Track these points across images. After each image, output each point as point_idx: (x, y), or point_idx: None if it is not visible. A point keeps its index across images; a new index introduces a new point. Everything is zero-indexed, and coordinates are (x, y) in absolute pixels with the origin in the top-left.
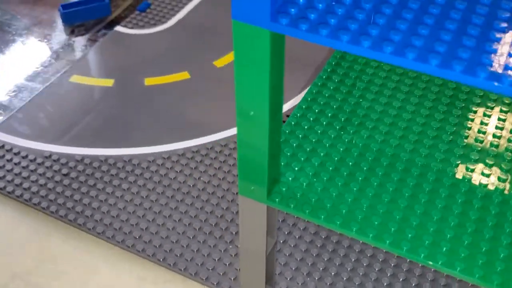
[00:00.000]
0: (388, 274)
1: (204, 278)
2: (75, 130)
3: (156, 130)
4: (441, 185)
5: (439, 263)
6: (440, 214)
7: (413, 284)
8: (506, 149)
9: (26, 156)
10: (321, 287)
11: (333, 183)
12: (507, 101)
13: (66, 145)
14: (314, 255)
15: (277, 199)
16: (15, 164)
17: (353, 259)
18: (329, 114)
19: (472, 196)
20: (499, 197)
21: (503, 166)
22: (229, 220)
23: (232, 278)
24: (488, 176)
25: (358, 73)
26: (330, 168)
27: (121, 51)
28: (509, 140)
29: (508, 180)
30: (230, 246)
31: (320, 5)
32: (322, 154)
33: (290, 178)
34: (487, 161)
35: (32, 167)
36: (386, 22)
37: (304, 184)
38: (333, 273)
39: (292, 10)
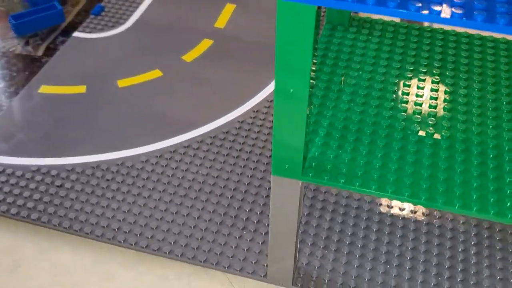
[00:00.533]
0: (398, 235)
1: (226, 266)
2: (58, 141)
3: (142, 130)
4: (455, 140)
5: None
6: (478, 169)
7: (423, 241)
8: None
9: (13, 173)
10: (339, 257)
11: (358, 152)
12: None
13: (53, 157)
14: (326, 228)
15: (310, 174)
16: (3, 182)
17: (363, 227)
18: (335, 89)
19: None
20: (478, 138)
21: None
22: (236, 208)
23: (253, 262)
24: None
25: (350, 48)
26: (351, 139)
27: (86, 56)
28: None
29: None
30: (244, 232)
31: None
32: (339, 127)
33: (317, 153)
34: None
35: (22, 183)
36: None
37: (331, 156)
38: (347, 242)
39: None
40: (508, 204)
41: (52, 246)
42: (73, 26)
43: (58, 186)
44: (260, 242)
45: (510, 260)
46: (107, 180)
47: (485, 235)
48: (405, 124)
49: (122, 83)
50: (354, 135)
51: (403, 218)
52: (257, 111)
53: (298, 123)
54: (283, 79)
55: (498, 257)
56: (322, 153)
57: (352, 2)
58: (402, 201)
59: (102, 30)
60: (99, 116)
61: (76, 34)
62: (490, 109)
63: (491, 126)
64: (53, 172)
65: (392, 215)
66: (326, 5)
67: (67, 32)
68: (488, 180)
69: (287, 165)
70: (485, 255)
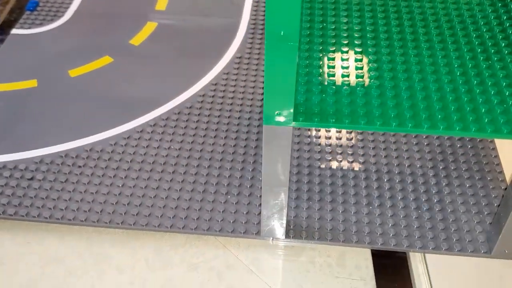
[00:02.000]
0: (373, 179)
1: (218, 230)
2: (20, 135)
3: (104, 115)
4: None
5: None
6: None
7: (397, 181)
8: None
9: None
10: (324, 206)
11: (340, 94)
12: None
13: (18, 152)
14: (306, 182)
15: (301, 119)
16: None
17: (339, 176)
18: (305, 42)
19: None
20: (446, 68)
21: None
22: (216, 175)
23: (243, 222)
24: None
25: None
26: (331, 83)
27: (31, 51)
28: None
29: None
30: (228, 196)
31: None
32: (317, 74)
33: (302, 100)
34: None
35: None
36: None
37: (316, 101)
38: (328, 192)
39: None
40: (486, 120)
41: (36, 239)
42: (9, 24)
43: (29, 179)
44: (246, 204)
45: (474, 169)
46: (79, 166)
47: (450, 155)
48: (377, 65)
49: (74, 72)
50: (333, 80)
51: (375, 163)
52: (216, 83)
53: (289, 68)
54: (273, 20)
55: (463, 169)
56: (307, 99)
57: None
58: (391, 131)
59: (41, 24)
60: (57, 106)
61: (14, 31)
62: (423, 39)
63: (426, 56)
64: (21, 166)
65: (364, 162)
66: None
67: (3, 30)
68: (448, 102)
69: (278, 113)
70: (452, 168)
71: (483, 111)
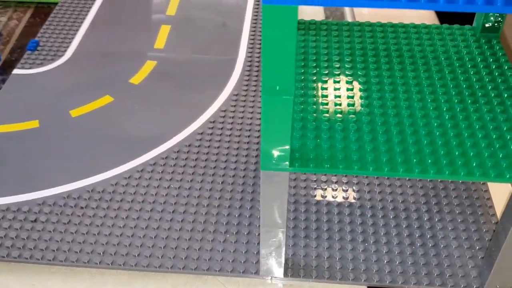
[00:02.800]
0: (368, 215)
1: (217, 270)
2: (22, 177)
3: (105, 155)
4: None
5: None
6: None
7: (391, 217)
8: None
9: None
10: (320, 244)
11: (334, 139)
12: None
13: (21, 193)
14: (303, 219)
15: (297, 164)
16: None
17: (335, 213)
18: (299, 87)
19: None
20: (436, 112)
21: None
22: (215, 214)
23: (242, 261)
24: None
25: (303, 48)
26: (325, 128)
27: (32, 91)
28: None
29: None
30: (227, 236)
31: None
32: (312, 119)
33: (297, 146)
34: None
35: None
36: None
37: (311, 146)
38: (325, 229)
39: None
40: (474, 164)
41: (40, 281)
42: (10, 64)
43: (32, 221)
44: (244, 242)
45: (465, 204)
46: (82, 207)
47: (442, 190)
48: (369, 109)
49: (75, 112)
50: (327, 125)
51: (370, 199)
52: (213, 121)
53: (284, 118)
54: (269, 77)
55: (455, 204)
56: (302, 144)
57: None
58: (383, 175)
59: (42, 64)
60: (58, 147)
61: (16, 71)
62: (414, 89)
63: (416, 100)
64: (25, 208)
65: (359, 198)
66: (316, 4)
67: (5, 70)
68: (438, 146)
69: (275, 159)
70: (444, 203)
71: (471, 154)
